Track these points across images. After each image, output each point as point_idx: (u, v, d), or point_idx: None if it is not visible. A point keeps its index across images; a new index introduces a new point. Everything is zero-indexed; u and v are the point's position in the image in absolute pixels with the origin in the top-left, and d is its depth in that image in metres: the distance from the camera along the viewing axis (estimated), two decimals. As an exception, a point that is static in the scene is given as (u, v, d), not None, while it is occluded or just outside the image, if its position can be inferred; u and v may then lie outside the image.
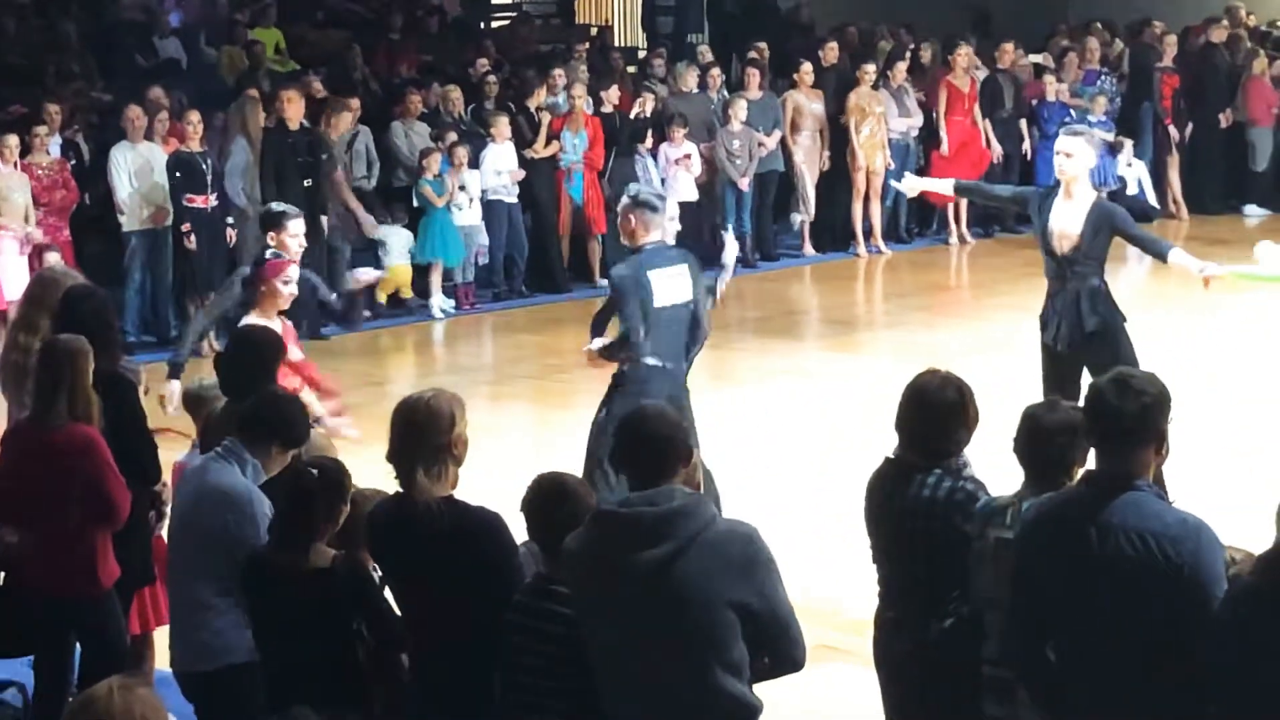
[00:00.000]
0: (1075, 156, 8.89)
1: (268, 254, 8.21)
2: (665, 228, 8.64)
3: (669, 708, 4.63)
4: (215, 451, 6.07)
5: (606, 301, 8.80)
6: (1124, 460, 4.60)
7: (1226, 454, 9.92)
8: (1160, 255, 8.96)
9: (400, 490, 5.28)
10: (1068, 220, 8.83)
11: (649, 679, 4.62)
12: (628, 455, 4.75)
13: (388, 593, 5.51)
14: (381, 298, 15.61)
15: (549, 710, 4.94)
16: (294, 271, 8.11)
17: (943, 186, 10.80)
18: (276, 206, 8.93)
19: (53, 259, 12.83)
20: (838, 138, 17.95)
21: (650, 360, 8.15)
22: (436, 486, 5.22)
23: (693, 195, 16.99)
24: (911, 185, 10.73)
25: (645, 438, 4.71)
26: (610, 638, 4.68)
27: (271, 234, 8.36)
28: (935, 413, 5.40)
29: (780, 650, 4.67)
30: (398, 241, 15.61)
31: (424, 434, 5.22)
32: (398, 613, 5.49)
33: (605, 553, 4.63)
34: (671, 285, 8.25)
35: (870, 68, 18.00)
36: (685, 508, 4.59)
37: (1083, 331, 8.77)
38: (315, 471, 5.59)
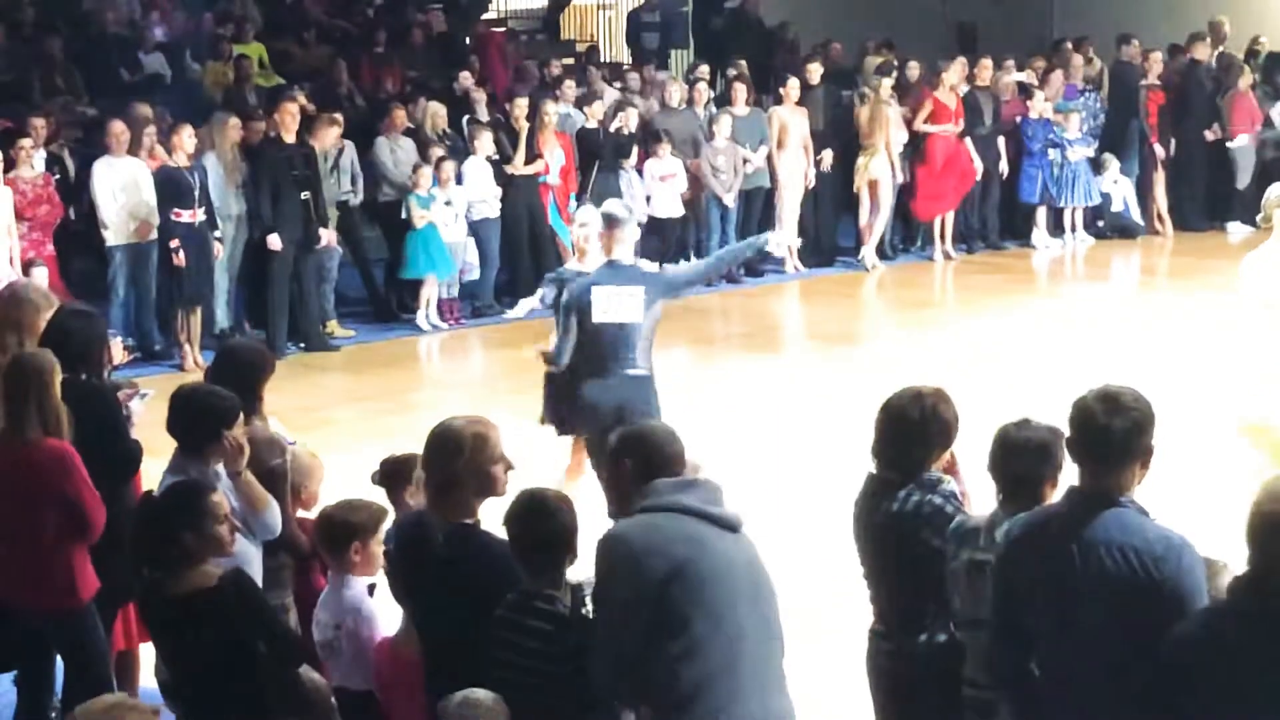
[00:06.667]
0: None
1: None
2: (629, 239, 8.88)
3: None
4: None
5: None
6: (1109, 477, 4.61)
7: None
8: None
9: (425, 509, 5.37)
10: None
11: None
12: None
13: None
14: None
15: (527, 721, 4.95)
16: None
17: None
18: None
19: (39, 274, 12.80)
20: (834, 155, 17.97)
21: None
22: (458, 511, 5.25)
23: (678, 211, 17.05)
24: None
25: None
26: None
27: None
28: (897, 429, 5.48)
29: None
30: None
31: (452, 459, 5.24)
32: (293, 629, 5.71)
33: None
34: (617, 304, 8.65)
35: (887, 82, 17.95)
36: None
37: None
38: (154, 494, 5.73)
